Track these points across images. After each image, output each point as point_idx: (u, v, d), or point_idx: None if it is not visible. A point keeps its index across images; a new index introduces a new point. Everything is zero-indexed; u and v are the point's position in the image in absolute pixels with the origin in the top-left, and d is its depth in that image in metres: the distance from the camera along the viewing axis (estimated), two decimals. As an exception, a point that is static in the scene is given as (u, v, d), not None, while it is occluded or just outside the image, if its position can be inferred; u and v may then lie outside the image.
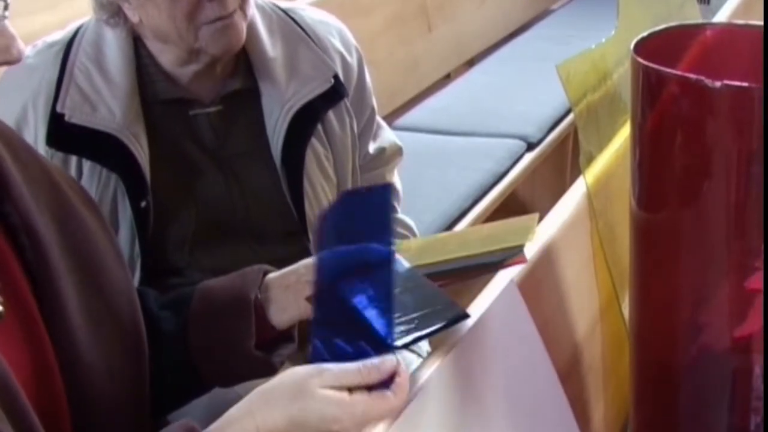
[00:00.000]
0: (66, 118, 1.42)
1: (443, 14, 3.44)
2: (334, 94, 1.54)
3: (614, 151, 1.48)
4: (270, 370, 1.13)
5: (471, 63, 3.69)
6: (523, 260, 1.18)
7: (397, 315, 1.04)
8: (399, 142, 1.71)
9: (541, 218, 1.35)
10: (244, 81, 1.51)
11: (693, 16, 2.01)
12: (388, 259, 1.03)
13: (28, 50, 1.43)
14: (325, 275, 1.03)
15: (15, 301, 0.95)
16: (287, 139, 1.49)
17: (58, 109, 1.42)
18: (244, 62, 1.51)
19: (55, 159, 1.41)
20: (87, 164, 1.43)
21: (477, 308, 1.13)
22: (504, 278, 1.19)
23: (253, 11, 1.47)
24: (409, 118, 3.13)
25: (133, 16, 1.41)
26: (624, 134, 1.47)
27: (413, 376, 1.04)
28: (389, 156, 1.67)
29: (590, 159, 1.42)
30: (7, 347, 0.92)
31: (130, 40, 1.46)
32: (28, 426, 0.89)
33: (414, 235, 1.69)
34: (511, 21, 3.97)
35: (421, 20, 3.33)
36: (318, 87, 1.51)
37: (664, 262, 1.16)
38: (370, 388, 0.94)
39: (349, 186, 1.59)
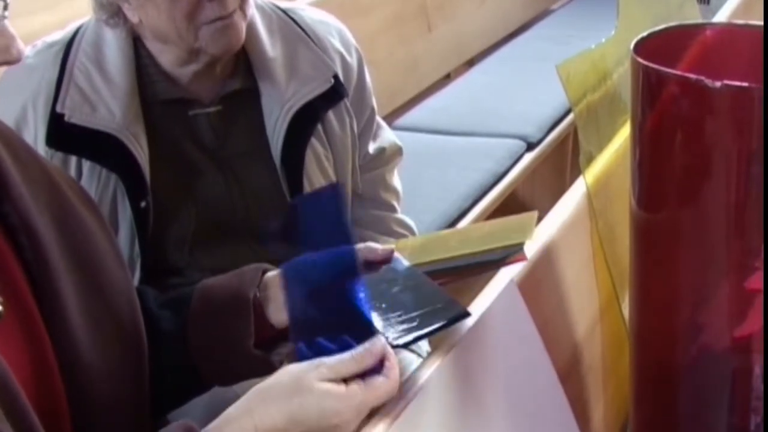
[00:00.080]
0: (66, 118, 1.42)
1: (443, 14, 3.44)
2: (334, 94, 1.54)
3: (614, 151, 1.48)
4: (269, 369, 1.13)
5: (471, 63, 3.69)
6: (523, 258, 1.18)
7: (397, 314, 1.05)
8: (399, 142, 1.71)
9: (541, 218, 1.35)
10: (243, 81, 1.51)
11: (693, 16, 2.01)
12: (352, 256, 1.04)
13: (27, 50, 1.43)
14: (293, 282, 1.04)
15: (15, 301, 0.95)
16: (287, 139, 1.49)
17: (58, 109, 1.42)
18: (244, 62, 1.51)
19: (54, 159, 1.41)
20: (87, 164, 1.43)
21: (477, 308, 1.13)
22: (504, 278, 1.19)
23: (252, 11, 1.47)
24: (409, 118, 3.13)
25: (133, 17, 1.41)
26: (624, 134, 1.47)
27: (413, 376, 1.04)
28: (389, 156, 1.67)
29: (590, 159, 1.42)
30: (6, 347, 0.92)
31: (130, 41, 1.46)
32: (28, 426, 0.88)
33: (414, 234, 1.69)
34: (511, 21, 3.97)
35: (420, 20, 3.33)
36: (318, 87, 1.51)
37: (664, 262, 1.16)
38: (362, 376, 0.94)
39: (349, 186, 1.59)
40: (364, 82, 1.61)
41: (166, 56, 1.46)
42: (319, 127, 1.53)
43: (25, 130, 1.43)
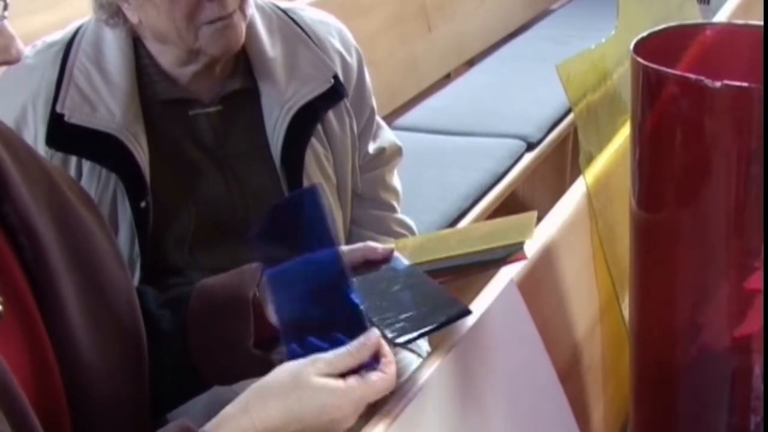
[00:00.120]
0: (66, 118, 1.42)
1: (443, 14, 3.44)
2: (334, 94, 1.54)
3: (614, 151, 1.48)
4: (269, 369, 1.13)
5: (471, 63, 3.69)
6: (523, 257, 1.18)
7: (398, 312, 1.05)
8: (399, 142, 1.71)
9: (541, 218, 1.35)
10: (243, 81, 1.51)
11: (693, 16, 2.01)
12: (336, 258, 1.04)
13: (27, 50, 1.43)
14: (279, 287, 1.04)
15: (14, 301, 0.95)
16: (287, 139, 1.49)
17: (58, 109, 1.42)
18: (244, 62, 1.51)
19: (54, 159, 1.41)
20: (87, 164, 1.43)
21: (477, 308, 1.13)
22: (504, 278, 1.19)
23: (252, 11, 1.47)
24: (409, 118, 3.13)
25: (133, 17, 1.41)
26: (624, 134, 1.47)
27: (413, 376, 1.04)
28: (389, 156, 1.67)
29: (590, 159, 1.42)
30: (6, 347, 0.92)
31: (130, 41, 1.46)
32: (27, 426, 0.88)
33: (413, 234, 1.69)
34: (511, 21, 3.97)
35: (420, 20, 3.33)
36: (318, 87, 1.51)
37: (664, 262, 1.16)
38: (358, 371, 0.95)
39: (349, 186, 1.59)
40: (364, 82, 1.61)
41: (165, 56, 1.46)
42: (319, 127, 1.53)
43: (25, 130, 1.43)
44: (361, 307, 1.04)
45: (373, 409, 1.00)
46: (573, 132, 2.93)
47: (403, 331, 1.01)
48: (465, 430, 1.06)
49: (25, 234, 0.98)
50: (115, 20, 1.43)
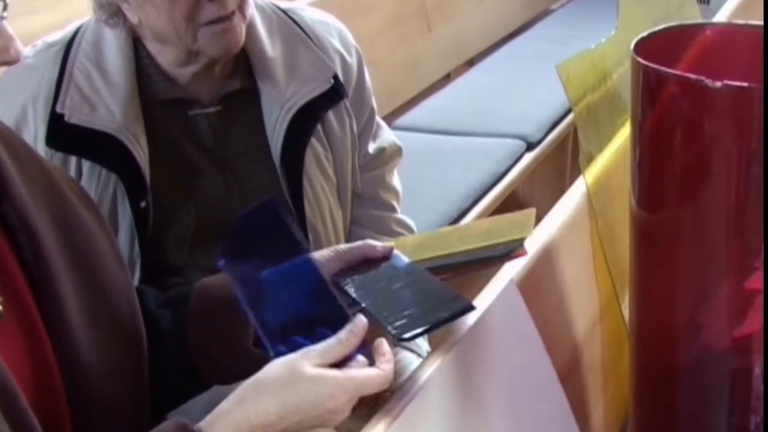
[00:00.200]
0: (66, 118, 1.42)
1: (443, 14, 3.44)
2: (334, 94, 1.53)
3: (614, 151, 1.48)
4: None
5: (471, 63, 3.69)
6: (523, 253, 1.18)
7: (400, 309, 1.05)
8: (399, 142, 1.71)
9: (541, 218, 1.35)
10: (243, 81, 1.51)
11: (693, 16, 2.01)
12: (306, 262, 1.07)
13: (27, 50, 1.43)
14: (253, 302, 1.05)
15: (14, 300, 0.95)
16: (287, 139, 1.49)
17: (58, 109, 1.42)
18: (244, 62, 1.51)
19: (54, 159, 1.41)
20: (86, 164, 1.43)
21: (477, 308, 1.12)
22: (504, 278, 1.19)
23: (252, 12, 1.47)
24: (408, 118, 3.13)
25: (133, 17, 1.41)
26: (624, 134, 1.47)
27: (413, 375, 1.04)
28: (389, 156, 1.67)
29: (590, 159, 1.42)
30: (6, 347, 0.92)
31: (130, 41, 1.46)
32: (27, 427, 0.89)
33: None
34: (510, 21, 3.97)
35: (420, 20, 3.33)
36: (318, 87, 1.51)
37: (664, 262, 1.16)
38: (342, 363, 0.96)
39: (349, 186, 1.59)
40: (364, 82, 1.61)
41: (165, 57, 1.46)
42: (319, 127, 1.53)
43: (24, 130, 1.43)
44: (363, 305, 1.05)
45: (374, 409, 1.00)
46: (573, 132, 2.93)
47: (406, 328, 1.01)
48: (465, 430, 1.06)
49: (24, 234, 0.98)
50: (115, 20, 1.43)
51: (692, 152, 1.08)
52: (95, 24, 1.47)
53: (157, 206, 1.46)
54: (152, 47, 1.46)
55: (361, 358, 0.97)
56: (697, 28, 1.25)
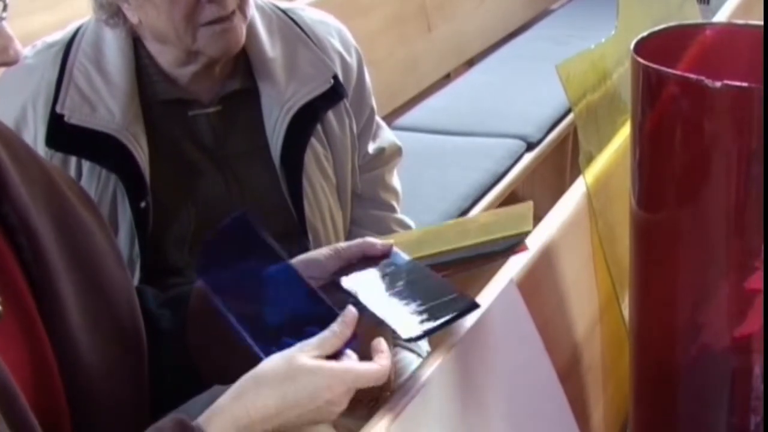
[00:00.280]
0: (65, 118, 1.42)
1: (443, 14, 3.44)
2: (334, 94, 1.53)
3: (614, 151, 1.48)
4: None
5: (471, 63, 3.69)
6: (524, 248, 1.18)
7: (405, 308, 1.05)
8: (398, 142, 1.70)
9: (541, 218, 1.35)
10: (243, 81, 1.51)
11: (693, 16, 2.01)
12: (287, 269, 1.08)
13: (27, 50, 1.43)
14: (236, 315, 1.06)
15: (14, 301, 0.95)
16: (286, 139, 1.49)
17: (58, 109, 1.42)
18: (244, 62, 1.51)
19: (54, 159, 1.41)
20: (86, 165, 1.43)
21: (477, 308, 1.12)
22: (504, 278, 1.19)
23: (252, 12, 1.47)
24: (408, 118, 3.13)
25: (133, 17, 1.41)
26: (624, 134, 1.47)
27: (414, 375, 1.04)
28: (388, 156, 1.67)
29: (590, 159, 1.42)
30: (6, 347, 0.92)
31: (130, 41, 1.46)
32: (26, 427, 0.89)
33: (413, 235, 1.69)
34: (510, 21, 3.97)
35: (420, 20, 3.33)
36: (317, 87, 1.51)
37: (664, 262, 1.16)
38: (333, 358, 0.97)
39: (349, 186, 1.59)
40: (364, 83, 1.61)
41: (165, 57, 1.46)
42: (319, 127, 1.53)
43: (24, 130, 1.43)
44: (365, 305, 1.05)
45: (374, 409, 1.00)
46: (573, 132, 2.93)
47: (411, 329, 1.01)
48: (465, 430, 1.06)
49: (24, 234, 0.98)
50: (115, 20, 1.43)
51: (692, 152, 1.08)
52: (95, 24, 1.47)
53: (157, 206, 1.46)
54: (152, 47, 1.46)
55: (350, 352, 0.98)
56: (697, 28, 1.25)
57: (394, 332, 1.03)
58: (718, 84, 1.01)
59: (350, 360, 0.97)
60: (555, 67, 1.29)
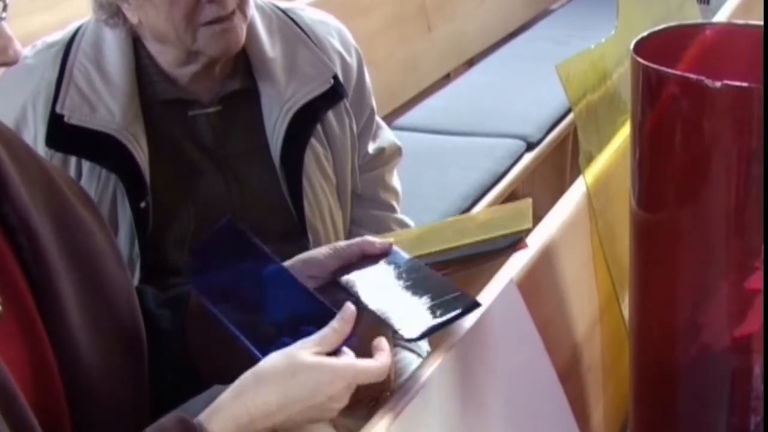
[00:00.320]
0: (65, 118, 1.42)
1: (443, 14, 3.44)
2: (334, 94, 1.53)
3: (614, 151, 1.48)
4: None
5: (471, 63, 3.69)
6: (524, 246, 1.18)
7: (406, 307, 1.05)
8: (398, 142, 1.70)
9: (541, 218, 1.35)
10: (243, 81, 1.51)
11: (693, 16, 2.01)
12: (280, 271, 1.08)
13: (27, 51, 1.43)
14: (227, 312, 1.06)
15: (14, 300, 0.95)
16: (286, 139, 1.49)
17: (58, 109, 1.42)
18: (244, 62, 1.51)
19: (54, 159, 1.41)
20: (86, 165, 1.43)
21: (477, 308, 1.12)
22: (504, 278, 1.19)
23: (252, 12, 1.47)
24: (408, 118, 3.13)
25: (132, 17, 1.41)
26: (624, 134, 1.47)
27: (413, 375, 1.04)
28: (388, 156, 1.67)
29: (590, 159, 1.42)
30: (5, 347, 0.92)
31: (130, 41, 1.46)
32: (26, 427, 0.89)
33: (413, 235, 1.69)
34: (510, 21, 3.97)
35: (420, 20, 3.33)
36: (317, 87, 1.51)
37: (664, 262, 1.16)
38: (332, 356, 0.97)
39: (349, 186, 1.59)
40: (364, 83, 1.61)
41: (165, 57, 1.46)
42: (319, 127, 1.53)
43: (24, 130, 1.43)
44: (367, 305, 1.05)
45: (374, 409, 1.00)
46: (573, 132, 2.93)
47: (413, 329, 1.01)
48: (465, 430, 1.06)
49: (24, 234, 0.98)
50: (114, 20, 1.43)
51: (692, 152, 1.08)
52: (95, 24, 1.47)
53: (156, 206, 1.46)
54: (152, 47, 1.46)
55: (347, 350, 0.98)
56: (697, 28, 1.25)
57: (395, 332, 1.03)
58: (718, 84, 1.01)
59: (349, 357, 0.97)
60: (555, 67, 1.29)
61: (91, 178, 1.43)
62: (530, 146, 2.91)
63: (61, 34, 1.50)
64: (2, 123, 1.07)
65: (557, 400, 1.23)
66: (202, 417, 0.94)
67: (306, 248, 1.48)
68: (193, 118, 1.49)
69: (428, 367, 1.04)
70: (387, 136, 1.68)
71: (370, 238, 1.18)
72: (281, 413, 0.94)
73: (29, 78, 1.44)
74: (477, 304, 1.05)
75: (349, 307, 1.01)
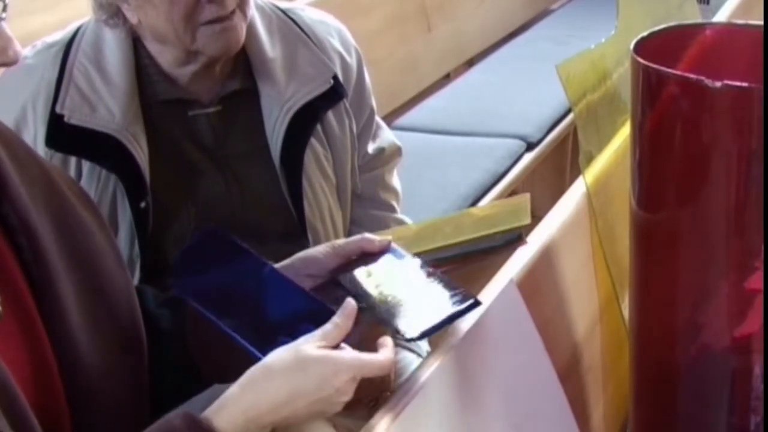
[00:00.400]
0: (65, 118, 1.41)
1: (443, 14, 3.44)
2: (334, 94, 1.53)
3: (614, 151, 1.48)
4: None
5: (470, 63, 3.68)
6: (523, 243, 1.18)
7: (406, 306, 1.05)
8: (398, 142, 1.70)
9: (541, 218, 1.35)
10: (243, 81, 1.51)
11: (693, 15, 2.01)
12: (271, 271, 1.09)
13: (27, 51, 1.43)
14: (222, 314, 1.06)
15: (14, 300, 0.96)
16: (286, 139, 1.49)
17: (58, 109, 1.42)
18: (244, 62, 1.51)
19: (54, 160, 1.41)
20: (86, 165, 1.43)
21: (477, 308, 1.12)
22: (504, 278, 1.19)
23: (252, 12, 1.47)
24: (408, 118, 3.13)
25: (132, 17, 1.41)
26: (624, 134, 1.47)
27: (413, 375, 1.04)
28: (388, 156, 1.67)
29: (590, 159, 1.42)
30: (5, 347, 0.92)
31: (130, 41, 1.46)
32: (26, 425, 0.89)
33: (413, 235, 1.68)
34: (510, 21, 3.97)
35: (420, 20, 3.33)
36: (317, 87, 1.51)
37: (664, 262, 1.16)
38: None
39: (348, 186, 1.59)
40: (364, 83, 1.61)
41: (165, 57, 1.46)
42: (319, 127, 1.53)
43: (24, 130, 1.43)
44: (367, 304, 1.05)
45: (374, 409, 1.00)
46: (573, 132, 2.93)
47: (414, 328, 1.01)
48: (465, 430, 1.06)
49: (24, 234, 0.98)
50: (114, 20, 1.43)
51: (692, 152, 1.08)
52: (95, 24, 1.47)
53: (156, 206, 1.46)
54: (152, 47, 1.46)
55: (345, 345, 0.99)
56: (697, 28, 1.25)
57: (395, 332, 1.02)
58: (718, 84, 1.01)
59: (353, 351, 0.98)
60: (555, 67, 1.29)
61: (91, 178, 1.43)
62: (530, 146, 2.90)
63: (61, 34, 1.50)
64: (2, 123, 1.08)
65: (557, 400, 1.23)
66: (209, 412, 0.94)
67: (305, 248, 1.48)
68: (193, 118, 1.49)
69: (428, 367, 1.04)
70: (387, 136, 1.68)
71: (368, 235, 1.18)
72: (288, 407, 0.94)
73: (29, 78, 1.44)
74: (477, 303, 1.04)
75: (350, 302, 1.01)
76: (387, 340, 1.01)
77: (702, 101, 1.04)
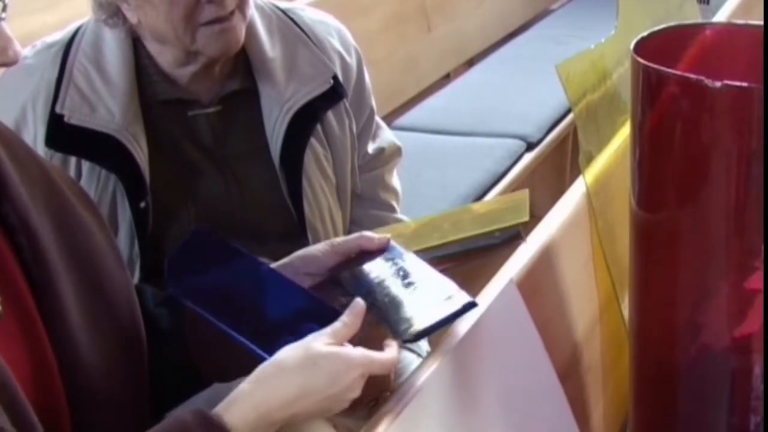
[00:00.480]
0: (65, 118, 1.41)
1: (443, 14, 3.44)
2: (334, 94, 1.53)
3: (614, 151, 1.48)
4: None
5: (470, 63, 3.68)
6: (522, 240, 1.18)
7: (404, 306, 1.05)
8: (398, 142, 1.70)
9: (540, 218, 1.35)
10: (243, 81, 1.51)
11: (693, 15, 2.01)
12: (269, 271, 1.08)
13: (27, 51, 1.43)
14: (223, 316, 1.06)
15: (14, 300, 0.96)
16: (286, 139, 1.49)
17: (58, 109, 1.42)
18: (243, 63, 1.51)
19: (54, 160, 1.41)
20: (86, 165, 1.43)
21: (476, 308, 1.12)
22: (504, 278, 1.19)
23: (252, 12, 1.47)
24: (408, 118, 3.13)
25: (132, 17, 1.41)
26: (624, 134, 1.47)
27: (413, 375, 1.04)
28: (388, 156, 1.67)
29: (590, 159, 1.42)
30: (5, 347, 0.92)
31: (129, 41, 1.46)
32: (26, 423, 0.89)
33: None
34: (510, 21, 3.97)
35: (420, 20, 3.33)
36: (317, 87, 1.51)
37: (664, 262, 1.16)
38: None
39: (348, 186, 1.59)
40: (364, 83, 1.61)
41: (164, 57, 1.46)
42: (319, 127, 1.53)
43: (24, 130, 1.43)
44: (368, 305, 1.05)
45: (373, 409, 1.00)
46: (573, 132, 2.93)
47: (411, 328, 1.01)
48: (465, 430, 1.06)
49: (24, 234, 0.98)
50: (114, 20, 1.43)
51: (692, 152, 1.08)
52: (95, 24, 1.47)
53: (156, 206, 1.46)
54: (152, 47, 1.46)
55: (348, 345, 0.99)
56: (697, 28, 1.25)
57: (394, 332, 1.02)
58: (718, 84, 1.01)
59: (359, 348, 0.99)
60: (555, 67, 1.29)
61: (90, 178, 1.43)
62: (530, 146, 2.90)
63: (60, 34, 1.50)
64: (2, 123, 1.07)
65: (557, 400, 1.23)
66: (220, 408, 0.95)
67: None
68: (193, 118, 1.49)
69: (428, 368, 1.04)
70: (387, 136, 1.68)
71: (367, 233, 1.18)
72: (299, 403, 0.95)
73: (29, 78, 1.44)
74: (473, 305, 1.05)
75: (359, 302, 1.02)
76: (391, 342, 1.02)
77: (702, 101, 1.04)
